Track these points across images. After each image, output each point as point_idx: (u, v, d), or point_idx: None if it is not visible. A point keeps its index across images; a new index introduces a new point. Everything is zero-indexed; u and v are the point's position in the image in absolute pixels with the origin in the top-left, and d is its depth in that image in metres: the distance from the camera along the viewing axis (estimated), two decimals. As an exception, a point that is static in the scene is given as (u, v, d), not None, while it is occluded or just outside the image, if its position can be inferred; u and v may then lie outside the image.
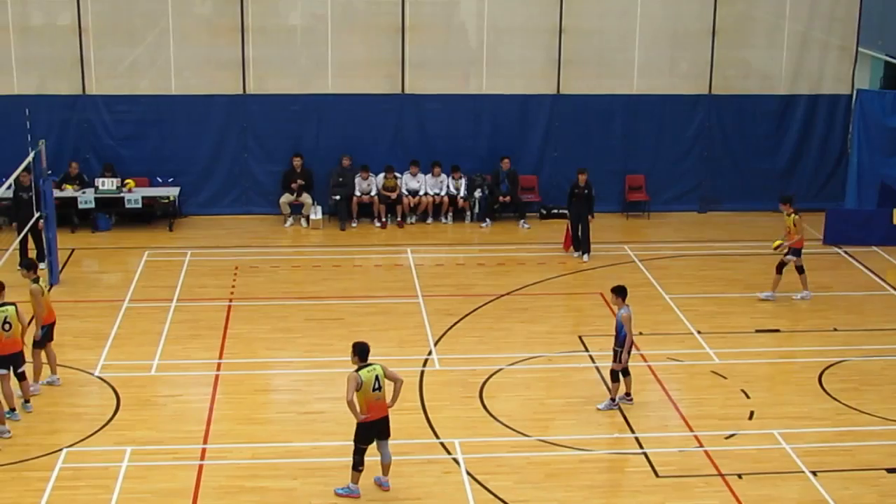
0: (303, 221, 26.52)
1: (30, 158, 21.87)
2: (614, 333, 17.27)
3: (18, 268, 18.03)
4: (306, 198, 26.50)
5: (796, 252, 21.72)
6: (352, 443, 14.74)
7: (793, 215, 21.68)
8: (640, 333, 20.06)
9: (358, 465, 14.77)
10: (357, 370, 14.51)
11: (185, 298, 21.77)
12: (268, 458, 15.84)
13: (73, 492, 14.95)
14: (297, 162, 26.41)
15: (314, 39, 26.80)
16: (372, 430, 14.71)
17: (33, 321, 17.38)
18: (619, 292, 17.17)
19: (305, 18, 26.94)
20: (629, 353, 17.10)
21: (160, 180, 26.62)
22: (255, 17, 26.35)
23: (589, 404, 17.43)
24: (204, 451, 16.01)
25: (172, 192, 26.26)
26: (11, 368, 16.64)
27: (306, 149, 26.72)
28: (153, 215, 26.19)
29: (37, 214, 22.24)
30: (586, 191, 24.08)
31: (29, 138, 22.45)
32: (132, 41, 26.52)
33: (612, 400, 17.32)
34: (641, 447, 16.24)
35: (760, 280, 22.25)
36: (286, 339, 20.01)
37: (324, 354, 19.15)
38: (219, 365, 18.87)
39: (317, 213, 26.49)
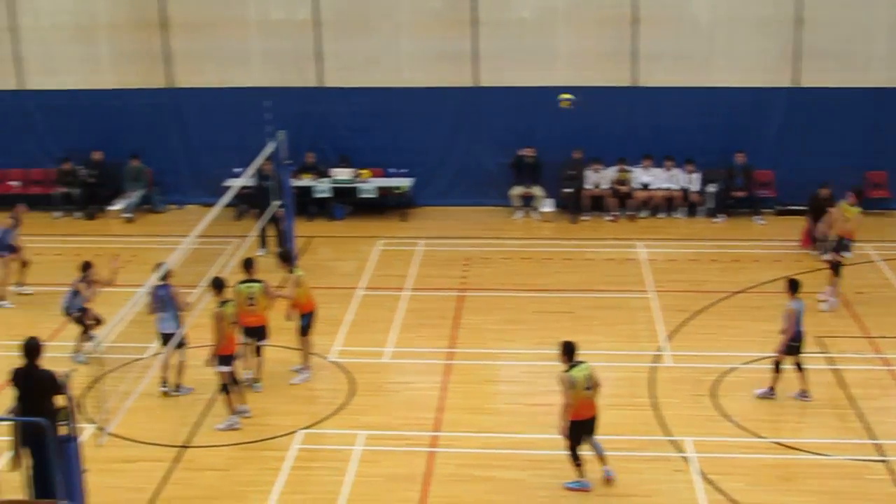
0: (533, 214, 26.58)
1: (271, 148, 22.60)
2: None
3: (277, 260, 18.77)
4: (537, 190, 26.53)
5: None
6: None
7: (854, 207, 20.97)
8: (884, 337, 19.32)
9: (575, 460, 14.76)
10: (568, 370, 14.48)
11: (417, 288, 22.11)
12: (497, 448, 15.94)
13: (309, 472, 15.42)
14: (528, 153, 26.43)
15: (545, 31, 26.77)
16: (584, 429, 14.69)
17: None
18: (789, 285, 16.97)
19: (536, 11, 26.94)
20: (785, 346, 16.82)
21: (394, 171, 27.13)
22: (486, 11, 26.55)
23: (826, 407, 16.88)
24: (435, 438, 16.23)
25: (406, 182, 26.72)
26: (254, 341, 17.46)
27: (537, 141, 26.70)
28: (386, 205, 26.73)
29: (276, 203, 22.97)
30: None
31: (269, 129, 23.19)
32: (366, 34, 27.09)
33: (770, 389, 17.05)
34: (883, 455, 15.60)
35: None
36: (516, 331, 20.08)
37: (553, 347, 18.94)
38: (450, 354, 19.10)
39: (548, 206, 26.49)
